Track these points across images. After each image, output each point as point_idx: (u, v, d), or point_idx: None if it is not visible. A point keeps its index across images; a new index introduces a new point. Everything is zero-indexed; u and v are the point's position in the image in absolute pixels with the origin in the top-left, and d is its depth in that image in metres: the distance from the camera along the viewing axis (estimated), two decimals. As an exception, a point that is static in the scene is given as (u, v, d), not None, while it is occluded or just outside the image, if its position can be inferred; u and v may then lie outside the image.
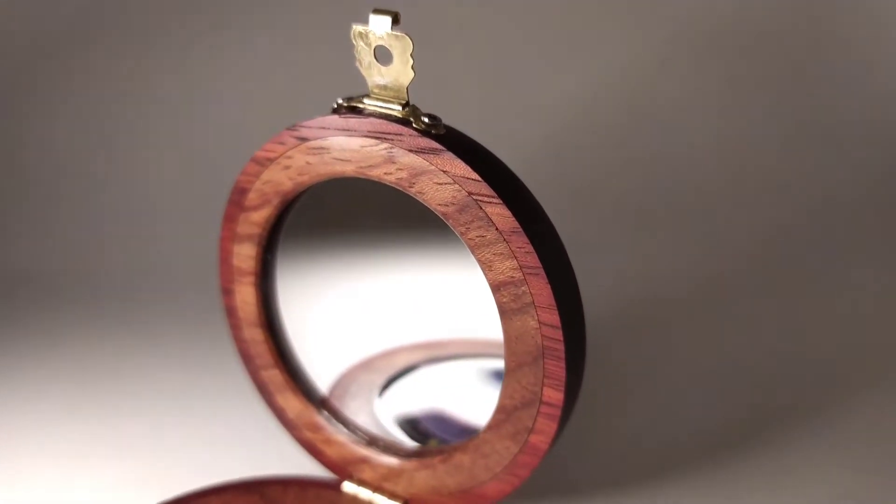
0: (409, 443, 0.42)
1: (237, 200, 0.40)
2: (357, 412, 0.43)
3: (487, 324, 0.36)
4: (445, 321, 0.42)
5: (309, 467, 0.45)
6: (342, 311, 0.43)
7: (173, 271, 0.64)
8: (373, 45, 0.34)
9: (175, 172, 0.71)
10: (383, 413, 0.44)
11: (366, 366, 0.44)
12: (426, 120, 0.34)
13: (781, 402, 0.50)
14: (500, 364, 0.36)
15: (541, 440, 0.36)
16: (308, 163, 0.37)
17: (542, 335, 0.34)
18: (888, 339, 0.55)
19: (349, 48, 0.35)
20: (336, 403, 0.43)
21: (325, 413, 0.43)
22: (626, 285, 0.62)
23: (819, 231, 0.66)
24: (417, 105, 0.35)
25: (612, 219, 0.69)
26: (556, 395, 0.34)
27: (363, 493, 0.42)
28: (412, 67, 0.34)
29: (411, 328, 0.42)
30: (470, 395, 0.42)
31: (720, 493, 0.43)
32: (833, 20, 0.75)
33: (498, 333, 0.35)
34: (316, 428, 0.43)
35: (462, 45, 0.73)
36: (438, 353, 0.42)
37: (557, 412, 0.35)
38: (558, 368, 0.34)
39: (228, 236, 0.41)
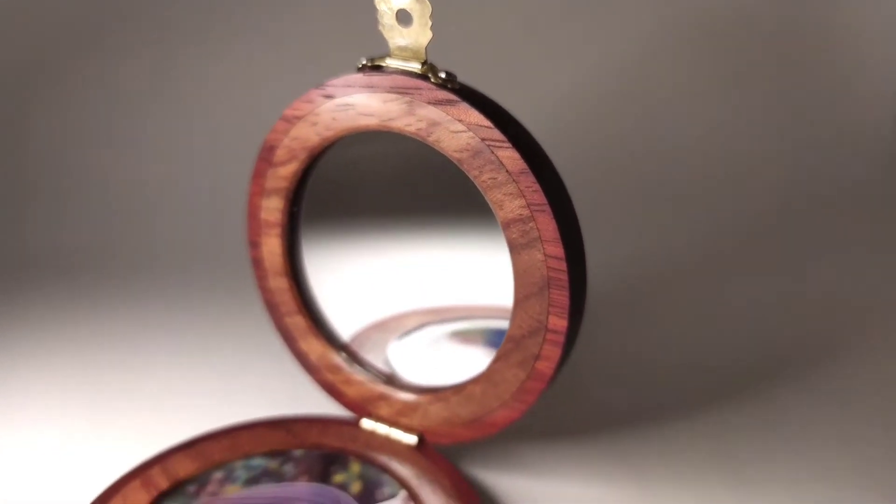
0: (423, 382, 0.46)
1: (266, 157, 0.44)
2: (374, 357, 0.47)
3: (497, 290, 0.40)
4: (458, 283, 0.45)
5: (330, 409, 0.48)
6: (362, 262, 0.46)
7: (202, 230, 0.68)
8: (395, 9, 0.38)
9: (201, 138, 0.75)
10: (397, 361, 0.47)
11: (382, 318, 0.47)
12: (443, 75, 0.38)
13: (777, 353, 0.53)
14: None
15: (546, 366, 0.39)
16: (334, 118, 0.41)
17: (548, 267, 0.38)
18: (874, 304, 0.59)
19: (368, 14, 0.39)
20: (355, 347, 0.47)
21: (345, 355, 0.46)
22: (626, 248, 0.66)
23: (812, 210, 0.71)
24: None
25: (611, 195, 0.73)
26: (560, 323, 0.38)
27: (380, 428, 0.45)
28: (430, 29, 0.38)
29: (426, 287, 0.46)
30: (472, 355, 0.45)
31: (711, 434, 0.47)
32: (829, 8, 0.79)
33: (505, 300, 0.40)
34: (336, 370, 0.46)
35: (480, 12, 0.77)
36: (449, 316, 0.46)
37: (562, 338, 0.38)
38: (562, 297, 0.38)
39: (257, 191, 0.45)
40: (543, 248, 0.37)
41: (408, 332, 0.47)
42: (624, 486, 0.43)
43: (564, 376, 0.50)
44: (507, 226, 0.38)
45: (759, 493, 0.42)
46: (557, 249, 0.37)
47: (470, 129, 0.37)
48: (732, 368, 0.52)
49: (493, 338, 0.44)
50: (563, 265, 0.37)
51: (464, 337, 0.46)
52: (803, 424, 0.47)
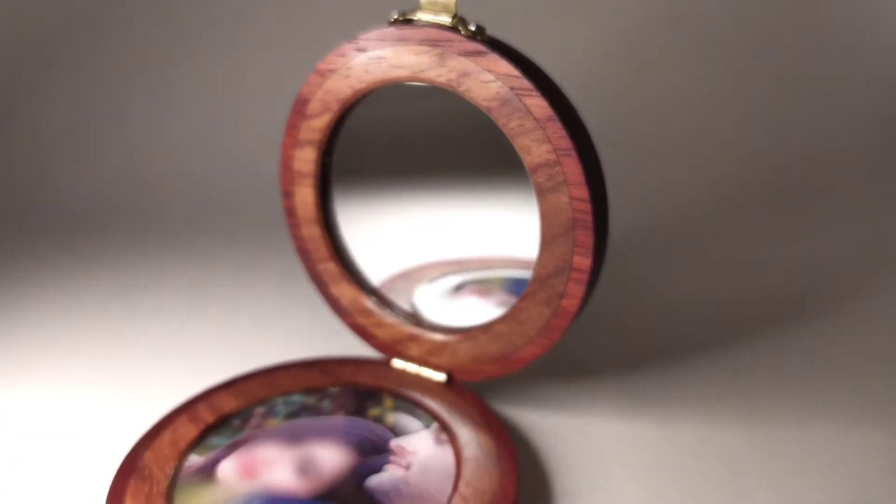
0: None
1: (300, 110, 0.46)
2: (402, 302, 0.49)
3: (515, 242, 0.43)
4: (479, 235, 0.48)
5: (361, 352, 0.51)
6: (391, 212, 0.48)
7: (238, 182, 0.70)
8: (426, -36, 0.40)
9: (237, 92, 0.77)
10: (423, 307, 0.49)
11: (409, 267, 0.49)
12: (472, 28, 0.40)
13: (791, 294, 0.56)
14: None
15: (571, 303, 0.42)
16: (366, 71, 0.43)
17: (574, 209, 0.40)
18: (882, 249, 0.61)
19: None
20: (384, 292, 0.49)
21: (375, 300, 0.49)
22: (646, 191, 0.68)
23: (835, 162, 0.72)
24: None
25: (633, 141, 0.74)
26: (584, 262, 0.41)
27: (410, 367, 0.48)
28: (460, -17, 0.40)
29: (449, 238, 0.48)
30: (492, 302, 0.47)
31: (726, 370, 0.49)
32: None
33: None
34: (367, 313, 0.49)
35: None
36: (470, 266, 0.48)
37: (586, 277, 0.41)
38: (587, 237, 0.40)
39: (290, 143, 0.47)
40: (569, 191, 0.40)
41: (432, 280, 0.50)
42: (641, 419, 0.45)
43: (586, 314, 0.52)
44: (534, 171, 0.40)
45: (770, 426, 0.44)
46: (582, 192, 0.39)
47: (499, 79, 0.40)
48: (747, 309, 0.55)
49: (511, 287, 0.46)
50: (588, 207, 0.39)
51: (483, 286, 0.48)
52: (813, 362, 0.50)
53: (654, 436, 0.44)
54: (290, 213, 0.48)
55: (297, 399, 0.45)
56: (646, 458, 0.43)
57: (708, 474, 0.41)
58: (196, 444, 0.42)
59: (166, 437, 0.42)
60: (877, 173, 0.72)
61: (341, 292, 0.49)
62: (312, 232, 0.48)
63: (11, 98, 0.73)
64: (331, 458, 0.41)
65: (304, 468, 0.41)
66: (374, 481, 0.40)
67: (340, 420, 0.44)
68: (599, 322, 0.53)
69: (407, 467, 0.41)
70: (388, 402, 0.45)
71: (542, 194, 0.40)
